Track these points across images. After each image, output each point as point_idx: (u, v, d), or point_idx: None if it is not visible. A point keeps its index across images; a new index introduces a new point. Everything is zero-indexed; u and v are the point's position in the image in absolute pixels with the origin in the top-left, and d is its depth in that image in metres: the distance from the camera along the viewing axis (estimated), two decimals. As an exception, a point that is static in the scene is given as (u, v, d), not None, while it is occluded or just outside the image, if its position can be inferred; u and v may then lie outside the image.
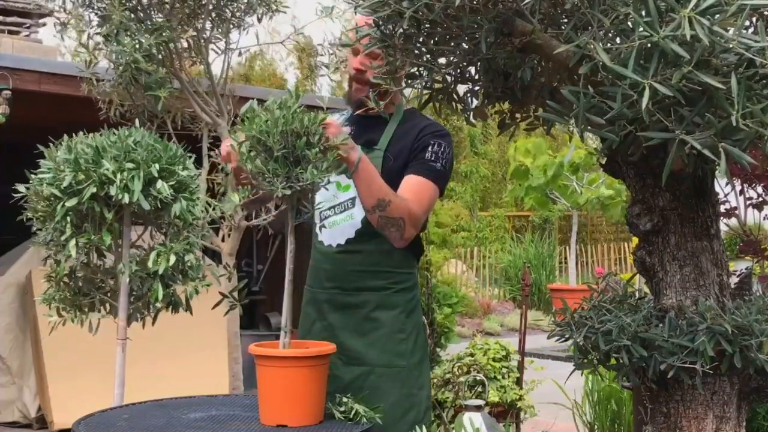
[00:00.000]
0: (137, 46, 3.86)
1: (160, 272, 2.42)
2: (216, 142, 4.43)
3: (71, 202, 2.31)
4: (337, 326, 2.50)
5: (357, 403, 2.19)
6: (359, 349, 2.47)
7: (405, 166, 2.48)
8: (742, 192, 3.70)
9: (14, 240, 6.29)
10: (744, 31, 1.33)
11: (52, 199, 2.35)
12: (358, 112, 2.53)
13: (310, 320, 2.57)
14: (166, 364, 5.63)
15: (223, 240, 4.62)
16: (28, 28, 7.38)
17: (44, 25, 7.47)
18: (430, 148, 2.47)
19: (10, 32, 7.18)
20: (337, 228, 2.52)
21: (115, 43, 3.89)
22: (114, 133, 2.42)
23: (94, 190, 2.30)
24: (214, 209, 3.90)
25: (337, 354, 2.40)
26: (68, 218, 2.35)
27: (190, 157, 2.56)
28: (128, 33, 3.90)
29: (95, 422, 2.18)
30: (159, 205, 2.38)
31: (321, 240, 2.55)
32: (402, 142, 2.50)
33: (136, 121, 2.59)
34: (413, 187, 2.45)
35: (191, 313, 2.61)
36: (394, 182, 2.43)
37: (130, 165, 2.33)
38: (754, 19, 1.43)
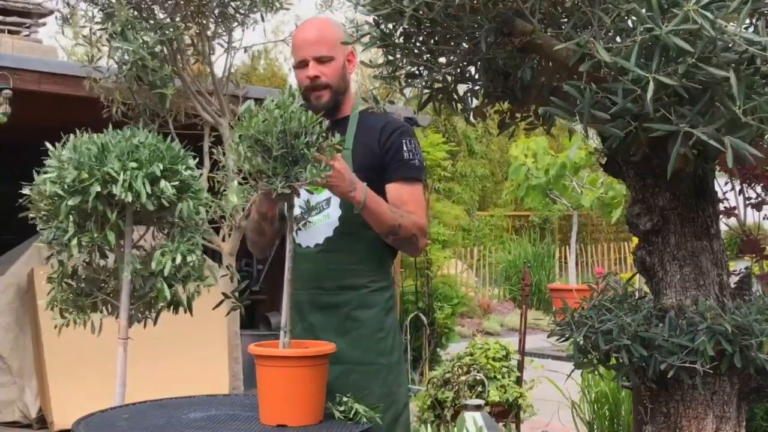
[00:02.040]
0: (143, 44, 3.86)
1: (165, 273, 2.42)
2: (218, 140, 4.43)
3: (74, 201, 2.31)
4: (318, 326, 2.52)
5: (357, 402, 2.19)
6: (341, 347, 2.48)
7: (378, 164, 2.53)
8: (741, 192, 3.70)
9: (15, 240, 6.30)
10: (745, 29, 1.33)
11: (56, 198, 2.35)
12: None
13: (292, 323, 2.57)
14: (166, 364, 5.63)
15: (223, 240, 4.62)
16: (28, 28, 7.38)
17: (44, 25, 7.47)
18: (404, 147, 2.56)
19: (10, 32, 7.18)
20: (313, 229, 2.53)
21: (121, 41, 3.88)
22: (117, 133, 2.43)
23: (98, 188, 2.31)
24: (215, 208, 3.90)
25: None
26: (71, 217, 2.35)
27: (194, 156, 2.56)
28: (134, 31, 3.90)
29: (95, 422, 2.18)
30: (166, 204, 2.38)
31: (298, 243, 2.56)
32: (367, 139, 2.57)
33: (140, 121, 2.59)
34: (410, 196, 2.55)
35: (191, 313, 2.61)
36: (366, 178, 2.46)
37: (133, 164, 2.34)
38: (754, 19, 1.43)
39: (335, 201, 2.52)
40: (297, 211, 2.53)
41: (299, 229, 2.47)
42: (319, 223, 2.55)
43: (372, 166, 2.53)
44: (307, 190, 2.10)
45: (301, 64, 2.58)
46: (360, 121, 2.58)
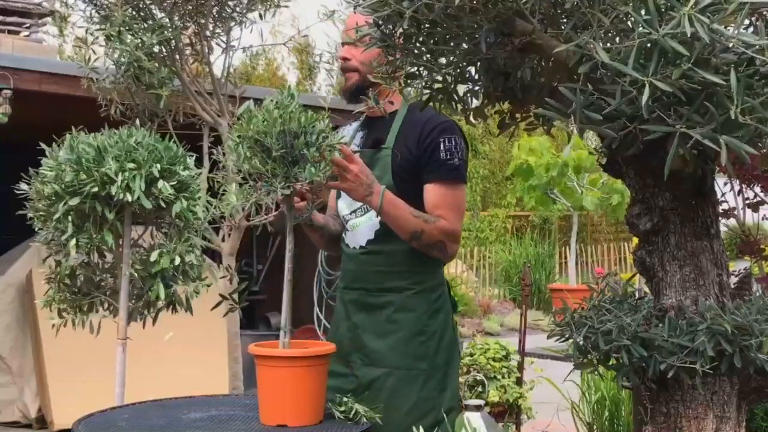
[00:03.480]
0: (140, 44, 3.87)
1: (162, 267, 2.42)
2: (217, 141, 4.43)
3: (74, 201, 2.31)
4: (360, 327, 2.52)
5: (358, 403, 2.19)
6: (380, 350, 2.47)
7: (415, 163, 2.49)
8: (740, 192, 3.69)
9: (14, 240, 6.29)
10: (743, 30, 1.33)
11: (54, 198, 2.35)
12: (357, 111, 2.57)
13: (338, 320, 2.60)
14: (165, 364, 5.63)
15: (223, 240, 4.61)
16: (28, 28, 7.38)
17: (44, 25, 7.47)
18: (442, 146, 2.47)
19: (10, 32, 7.19)
20: (358, 230, 2.54)
21: (118, 43, 3.89)
22: (115, 133, 2.43)
23: (96, 189, 2.30)
24: (215, 208, 3.90)
25: (358, 354, 2.43)
26: (69, 217, 2.35)
27: (191, 156, 2.56)
28: (131, 32, 3.90)
29: (95, 422, 2.18)
30: (161, 205, 2.39)
31: (347, 243, 2.59)
32: (408, 138, 2.52)
33: (137, 121, 2.59)
34: (442, 199, 2.47)
35: (191, 313, 2.61)
36: (403, 178, 2.47)
37: (131, 165, 2.34)
38: (753, 18, 1.43)
39: None
40: (346, 210, 2.55)
41: (346, 230, 2.48)
42: (363, 224, 2.54)
43: (409, 166, 2.49)
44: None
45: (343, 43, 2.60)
46: (406, 119, 2.54)
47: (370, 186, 2.32)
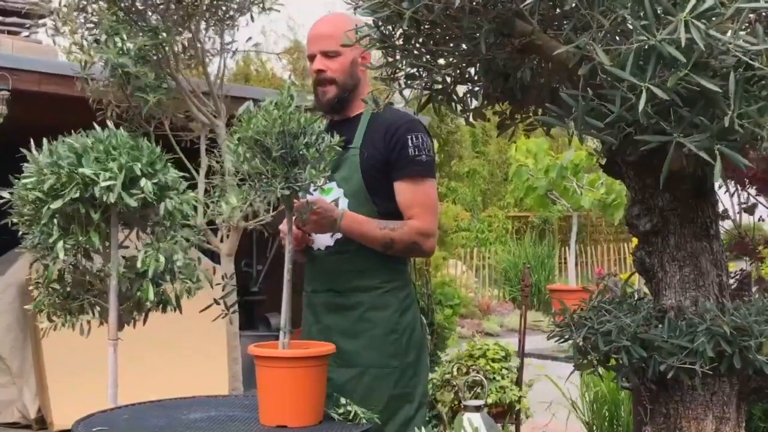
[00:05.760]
0: (124, 49, 3.88)
1: (150, 274, 2.40)
2: (213, 143, 4.43)
3: (56, 204, 2.29)
4: (332, 328, 2.53)
5: (358, 405, 2.19)
6: (353, 350, 2.48)
7: (384, 162, 2.51)
8: (735, 193, 3.67)
9: (14, 240, 6.28)
10: (742, 33, 1.33)
11: (37, 202, 2.34)
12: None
13: (308, 324, 2.59)
14: (166, 365, 5.63)
15: (221, 241, 4.61)
16: (28, 28, 7.38)
17: (44, 25, 7.47)
18: (410, 143, 2.50)
19: (10, 32, 7.18)
20: None
21: (104, 48, 3.91)
22: (93, 135, 2.41)
23: (77, 192, 2.29)
24: (211, 210, 3.90)
25: (332, 356, 2.43)
26: (54, 221, 2.34)
27: (170, 156, 2.54)
28: (119, 37, 3.92)
29: (95, 422, 2.18)
30: (149, 200, 2.37)
31: (310, 245, 2.57)
32: (374, 137, 2.54)
33: (109, 123, 2.56)
34: (413, 197, 2.51)
35: (180, 311, 2.60)
36: (373, 176, 2.49)
37: (112, 165, 2.32)
38: (753, 17, 1.43)
39: (343, 202, 2.52)
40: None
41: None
42: None
43: (379, 165, 2.51)
44: (310, 192, 2.11)
45: (310, 59, 2.59)
46: (371, 119, 2.56)
47: (331, 215, 2.38)
